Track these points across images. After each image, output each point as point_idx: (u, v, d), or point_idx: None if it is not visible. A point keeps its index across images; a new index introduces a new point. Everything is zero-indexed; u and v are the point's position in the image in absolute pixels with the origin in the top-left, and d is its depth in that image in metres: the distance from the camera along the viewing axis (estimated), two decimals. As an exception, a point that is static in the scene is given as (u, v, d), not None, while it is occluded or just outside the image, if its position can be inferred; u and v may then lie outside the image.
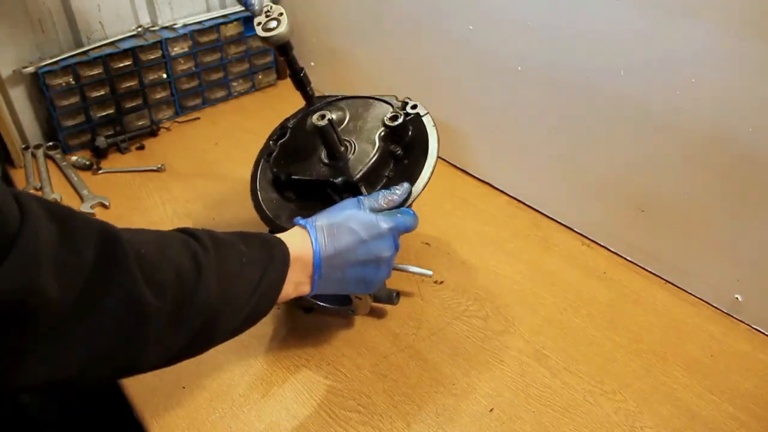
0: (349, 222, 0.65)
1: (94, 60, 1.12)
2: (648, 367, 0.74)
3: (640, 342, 0.77)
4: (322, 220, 0.65)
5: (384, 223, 0.66)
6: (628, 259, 0.89)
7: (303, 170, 0.77)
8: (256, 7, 0.81)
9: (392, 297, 0.79)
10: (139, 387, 0.73)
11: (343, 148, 0.75)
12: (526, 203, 1.01)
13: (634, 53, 0.76)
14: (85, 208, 1.02)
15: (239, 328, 0.59)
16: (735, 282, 0.78)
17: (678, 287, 0.85)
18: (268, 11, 0.80)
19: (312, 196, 0.76)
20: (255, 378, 0.74)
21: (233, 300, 0.55)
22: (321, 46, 1.29)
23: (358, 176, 0.73)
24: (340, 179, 0.73)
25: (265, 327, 0.81)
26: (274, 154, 0.81)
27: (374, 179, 0.75)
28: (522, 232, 0.96)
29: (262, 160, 0.84)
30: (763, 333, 0.78)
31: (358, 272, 0.66)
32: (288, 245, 0.62)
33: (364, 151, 0.75)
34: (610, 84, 0.80)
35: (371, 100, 0.83)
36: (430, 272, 0.81)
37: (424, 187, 0.74)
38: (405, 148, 0.77)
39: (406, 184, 0.72)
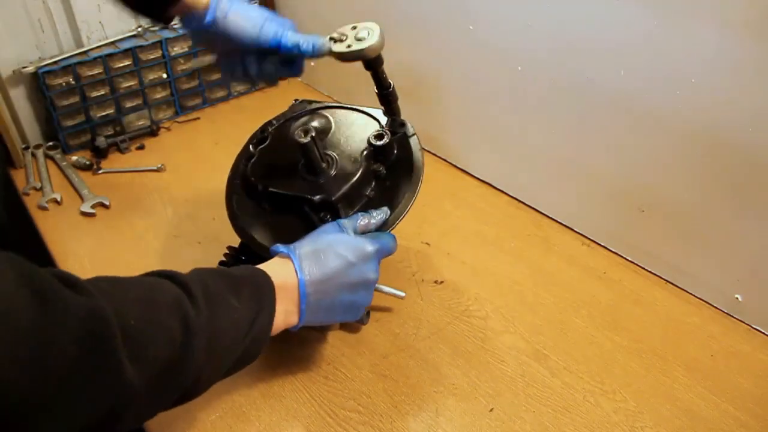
0: (335, 246, 0.64)
1: (94, 60, 1.12)
2: (648, 367, 0.74)
3: (640, 342, 0.77)
4: (306, 246, 0.63)
5: (370, 246, 0.65)
6: (628, 259, 0.90)
7: (281, 183, 0.74)
8: (324, 48, 0.74)
9: (362, 316, 0.76)
10: (139, 387, 0.73)
11: (324, 164, 0.72)
12: (526, 203, 1.01)
13: (634, 53, 0.76)
14: (85, 208, 1.02)
15: (221, 378, 0.58)
16: (735, 282, 0.78)
17: (678, 287, 0.85)
18: (354, 27, 0.74)
19: (288, 210, 0.73)
20: (255, 378, 0.74)
21: (218, 358, 0.54)
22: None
23: (338, 196, 0.70)
24: (318, 197, 0.71)
25: (265, 327, 0.81)
26: (253, 160, 0.78)
27: (354, 199, 0.72)
28: (522, 232, 0.96)
29: (241, 165, 0.80)
30: (763, 333, 0.78)
31: (348, 297, 0.64)
32: (272, 276, 0.60)
33: (346, 168, 0.73)
34: (610, 84, 0.80)
35: (358, 113, 0.80)
36: (402, 294, 0.80)
37: (407, 212, 0.72)
38: (388, 167, 0.75)
39: (385, 209, 0.71)
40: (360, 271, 0.64)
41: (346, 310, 0.66)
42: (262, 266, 0.62)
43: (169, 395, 0.51)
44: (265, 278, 0.60)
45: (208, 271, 0.58)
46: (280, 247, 0.64)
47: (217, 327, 0.53)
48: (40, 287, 0.38)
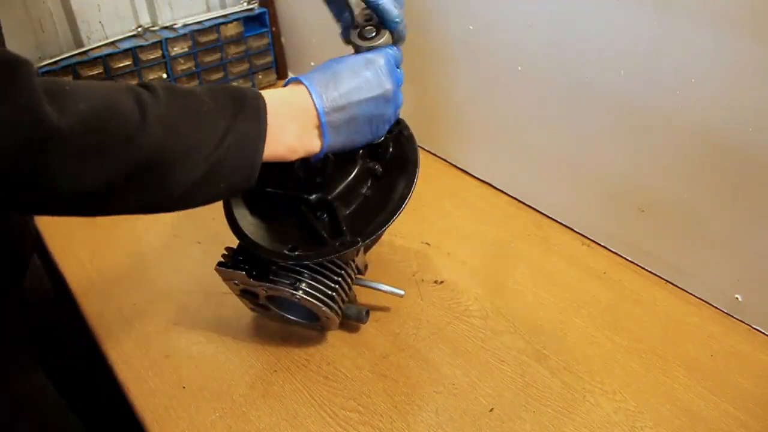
0: (342, 64, 0.64)
1: (94, 60, 1.12)
2: (648, 367, 0.74)
3: (640, 342, 0.77)
4: (312, 72, 0.63)
5: (377, 57, 0.66)
6: (628, 259, 0.90)
7: (277, 183, 0.73)
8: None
9: (362, 315, 0.77)
10: (139, 387, 0.73)
11: (320, 164, 0.72)
12: (526, 203, 1.01)
13: (634, 53, 0.76)
14: (85, 208, 1.02)
15: (203, 180, 0.53)
16: (735, 282, 0.78)
17: (678, 287, 0.85)
18: (366, 13, 0.72)
19: (285, 210, 0.73)
20: (255, 378, 0.74)
21: (189, 148, 0.51)
22: (321, 46, 1.29)
23: (334, 194, 0.71)
24: (314, 196, 0.71)
25: (265, 327, 0.81)
26: None
27: (350, 197, 0.73)
28: (522, 232, 0.96)
29: None
30: (763, 333, 0.78)
31: (367, 109, 0.64)
32: (277, 95, 0.59)
33: (343, 167, 0.73)
34: (610, 84, 0.80)
35: None
36: (402, 292, 0.80)
37: (402, 209, 0.72)
38: (384, 165, 0.75)
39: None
40: (378, 77, 0.64)
41: (369, 122, 0.65)
42: (268, 91, 0.60)
43: (119, 161, 0.47)
44: (253, 91, 0.57)
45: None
46: (290, 78, 0.64)
47: (180, 111, 0.51)
48: None
